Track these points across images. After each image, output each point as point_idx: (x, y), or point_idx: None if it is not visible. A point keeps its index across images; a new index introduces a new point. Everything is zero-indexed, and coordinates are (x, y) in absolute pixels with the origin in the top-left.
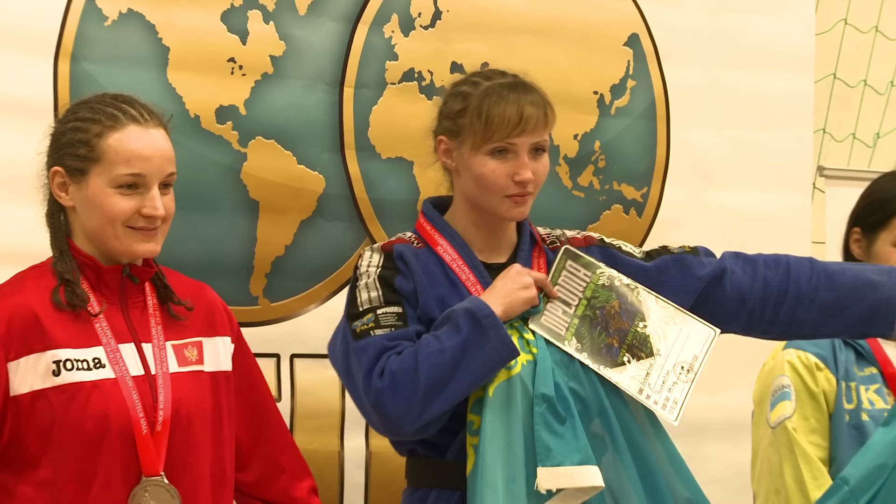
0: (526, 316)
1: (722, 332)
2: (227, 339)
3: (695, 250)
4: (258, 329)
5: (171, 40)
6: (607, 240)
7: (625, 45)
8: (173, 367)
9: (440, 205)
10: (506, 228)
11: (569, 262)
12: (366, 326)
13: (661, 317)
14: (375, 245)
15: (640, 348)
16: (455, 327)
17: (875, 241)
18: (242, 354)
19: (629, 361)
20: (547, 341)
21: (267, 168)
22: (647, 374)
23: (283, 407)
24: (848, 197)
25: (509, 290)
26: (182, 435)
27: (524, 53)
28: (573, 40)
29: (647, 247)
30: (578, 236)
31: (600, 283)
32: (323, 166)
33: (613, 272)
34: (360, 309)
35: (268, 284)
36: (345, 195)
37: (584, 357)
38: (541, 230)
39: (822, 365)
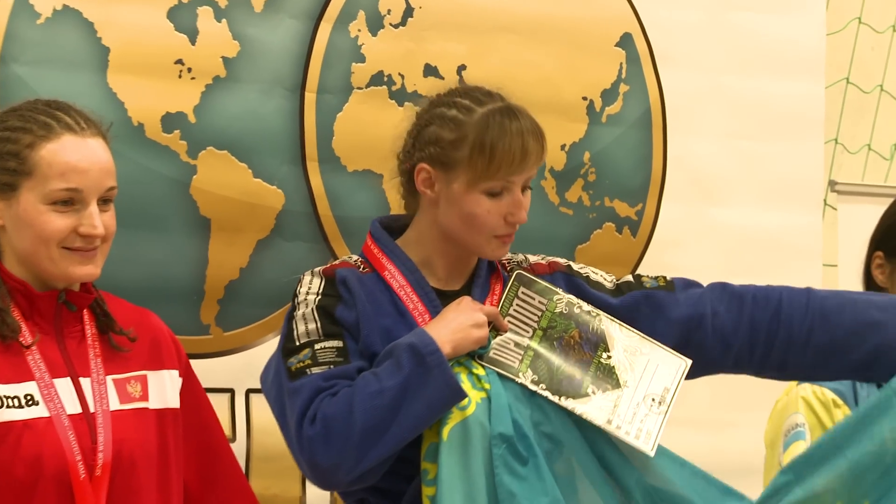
0: (473, 354)
1: (711, 374)
2: (175, 373)
3: (670, 284)
4: (210, 361)
5: (112, 40)
6: (575, 267)
7: (617, 45)
8: (114, 404)
9: (391, 225)
10: (470, 256)
11: (521, 290)
12: (301, 364)
13: (626, 346)
14: (317, 269)
15: (606, 380)
16: (396, 364)
17: None
18: (192, 389)
19: (594, 393)
20: (501, 376)
21: (219, 182)
22: (616, 405)
23: (238, 448)
24: (862, 215)
25: (461, 325)
26: (124, 479)
27: (506, 55)
28: (560, 40)
29: (643, 272)
30: (542, 262)
31: (557, 310)
32: (282, 180)
33: (573, 298)
34: (297, 343)
35: (220, 311)
36: (306, 212)
37: (541, 389)
38: None
39: (839, 401)
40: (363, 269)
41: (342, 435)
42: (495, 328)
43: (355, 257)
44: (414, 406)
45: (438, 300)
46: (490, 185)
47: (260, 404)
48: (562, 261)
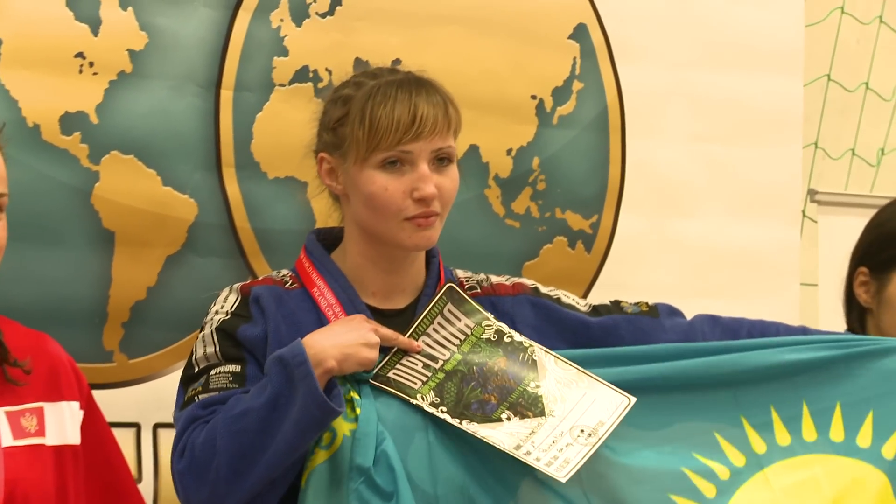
0: (360, 377)
1: None
2: (75, 405)
3: (653, 310)
4: (113, 392)
5: (4, 31)
6: (543, 289)
7: (570, 38)
8: (7, 440)
9: (330, 238)
10: (409, 266)
11: (448, 308)
12: (193, 392)
13: (559, 378)
14: (236, 285)
15: (528, 407)
16: (266, 380)
17: (887, 283)
18: (94, 423)
19: (509, 419)
20: (395, 396)
21: (124, 190)
22: (533, 432)
23: (145, 488)
24: (846, 228)
25: (352, 341)
26: None
27: (446, 48)
28: (506, 32)
29: (599, 292)
30: (506, 283)
31: (484, 337)
32: (195, 188)
33: (504, 327)
34: (195, 370)
35: (125, 336)
36: (222, 224)
37: (440, 412)
38: (460, 273)
39: None
40: (291, 284)
41: (207, 466)
42: (400, 350)
43: (285, 272)
44: (283, 427)
45: (375, 321)
46: (379, 156)
47: (170, 440)
48: (528, 282)
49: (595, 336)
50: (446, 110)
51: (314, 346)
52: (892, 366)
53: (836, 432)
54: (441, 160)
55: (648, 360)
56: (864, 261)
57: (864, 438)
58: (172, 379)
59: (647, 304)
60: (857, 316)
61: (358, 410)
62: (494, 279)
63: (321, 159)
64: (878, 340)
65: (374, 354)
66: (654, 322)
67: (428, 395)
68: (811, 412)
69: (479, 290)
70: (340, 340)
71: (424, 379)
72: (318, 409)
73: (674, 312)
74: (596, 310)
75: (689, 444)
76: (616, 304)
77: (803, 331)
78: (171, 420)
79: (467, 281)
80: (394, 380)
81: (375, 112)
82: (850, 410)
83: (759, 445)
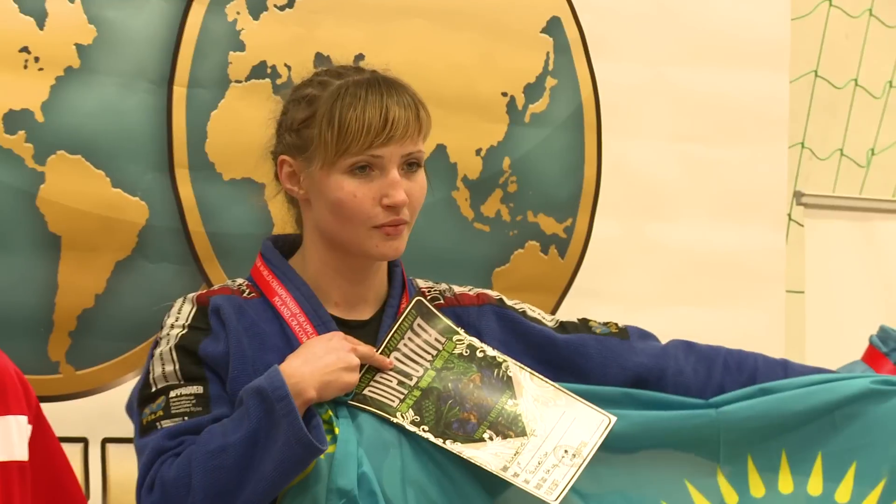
0: (338, 399)
1: None
2: (23, 419)
3: (623, 332)
4: (60, 405)
5: None
6: (508, 301)
7: (543, 32)
8: None
9: (287, 245)
10: (373, 276)
11: (418, 322)
12: (153, 416)
13: (537, 396)
14: (191, 295)
15: (509, 427)
16: (244, 413)
17: None
18: (43, 439)
19: (491, 439)
20: (373, 414)
21: (71, 192)
22: (517, 452)
23: None
24: (834, 232)
25: (330, 365)
26: None
27: (411, 43)
28: (475, 26)
29: (574, 300)
30: (470, 293)
31: (457, 352)
32: (145, 190)
33: (475, 342)
34: (153, 389)
35: (72, 346)
36: (174, 228)
37: (423, 431)
38: (420, 282)
39: None
40: (249, 293)
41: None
42: (373, 367)
43: (241, 281)
44: (263, 466)
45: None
46: (347, 161)
47: (118, 455)
48: (493, 293)
49: (562, 353)
50: (418, 113)
51: (293, 375)
52: (878, 412)
53: (815, 485)
54: (410, 165)
55: (629, 403)
56: None
57: (844, 493)
58: (122, 391)
59: (616, 324)
60: None
61: (336, 430)
62: (457, 289)
63: (282, 162)
64: (864, 378)
65: (354, 378)
66: (623, 344)
67: (407, 414)
68: (790, 462)
69: (442, 301)
70: (319, 366)
71: (401, 396)
72: (301, 448)
73: (645, 335)
74: (563, 326)
75: (659, 492)
76: (584, 322)
77: (783, 365)
78: (120, 435)
79: (429, 291)
80: (371, 398)
81: (345, 114)
82: (832, 462)
83: (730, 496)
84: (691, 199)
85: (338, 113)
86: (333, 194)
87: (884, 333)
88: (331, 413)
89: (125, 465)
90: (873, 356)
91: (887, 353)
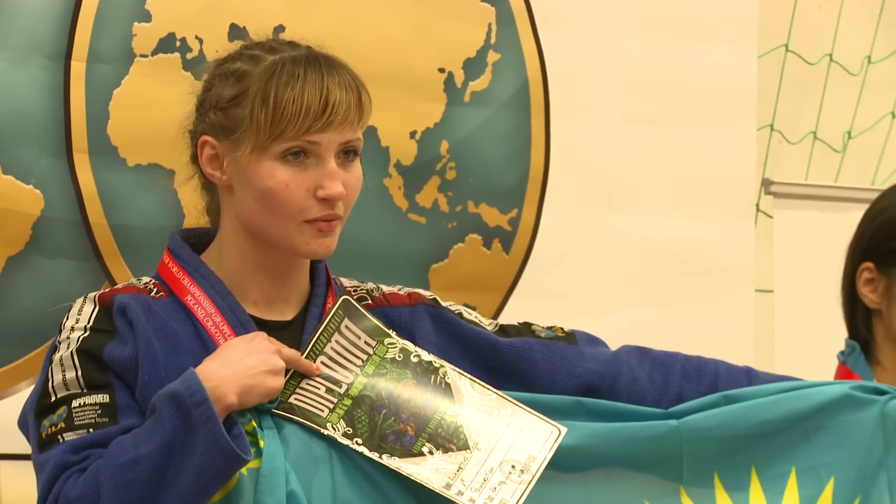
0: (261, 407)
1: None
2: None
3: (570, 336)
4: None
5: None
6: (443, 302)
7: (484, 1)
8: None
9: (198, 238)
10: (296, 273)
11: (345, 323)
12: (54, 429)
13: (479, 404)
14: (92, 294)
15: (450, 439)
16: (158, 422)
17: None
18: None
19: (431, 453)
20: (301, 425)
21: None
22: (460, 468)
23: None
24: (807, 224)
25: (253, 369)
26: None
27: (336, 13)
28: None
29: (520, 300)
30: (400, 293)
31: (389, 356)
32: (40, 177)
33: (409, 345)
34: (52, 399)
35: None
36: (73, 220)
37: (356, 444)
38: (345, 281)
39: None
40: (157, 293)
41: None
42: (298, 372)
43: (147, 279)
44: (180, 479)
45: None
46: (281, 146)
47: (13, 474)
48: (426, 293)
49: (504, 359)
50: (360, 97)
51: (211, 379)
52: (856, 421)
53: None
54: (347, 154)
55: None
56: (867, 255)
57: None
58: (15, 402)
59: (562, 329)
60: (863, 319)
61: (261, 443)
62: (386, 289)
63: (203, 143)
64: (841, 384)
65: (279, 383)
66: (571, 348)
67: (339, 425)
68: (761, 479)
69: (370, 302)
70: (241, 368)
71: (331, 406)
72: (223, 458)
73: (594, 340)
74: (504, 330)
75: None
76: (526, 325)
77: (747, 373)
78: (14, 451)
79: (355, 291)
80: (298, 407)
81: (281, 94)
82: (808, 477)
83: None
84: (649, 188)
85: (273, 91)
86: (263, 182)
87: (851, 349)
88: (255, 424)
89: (21, 485)
90: (845, 375)
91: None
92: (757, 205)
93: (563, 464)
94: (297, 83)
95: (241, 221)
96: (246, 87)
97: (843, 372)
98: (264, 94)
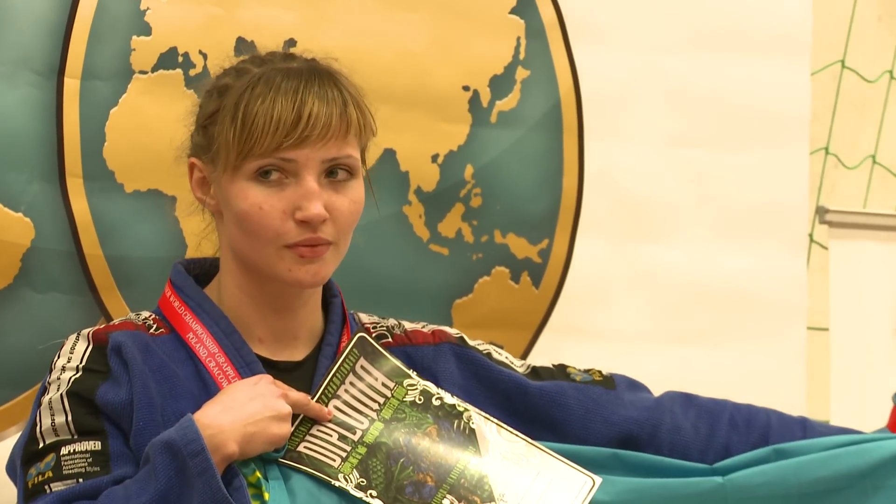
0: (267, 456)
1: None
2: None
3: (609, 381)
4: None
5: None
6: (471, 341)
7: (513, 13)
8: None
9: (200, 270)
10: (303, 307)
11: (361, 363)
12: (41, 478)
13: (506, 453)
14: (86, 331)
15: (473, 490)
16: (151, 473)
17: None
18: None
19: None
20: (310, 476)
21: None
22: None
23: None
24: (864, 255)
25: (255, 414)
26: None
27: (352, 26)
28: (431, 5)
29: (551, 337)
30: (424, 330)
31: (408, 399)
32: (30, 204)
33: (431, 386)
34: (40, 445)
35: None
36: (66, 251)
37: (370, 497)
38: (364, 317)
39: None
40: (157, 329)
41: None
42: (308, 418)
43: (147, 314)
44: None
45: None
46: (252, 164)
47: None
48: (451, 330)
49: (535, 403)
50: (345, 109)
51: (210, 426)
52: None
53: None
54: (334, 173)
55: (617, 468)
56: None
57: None
58: (2, 449)
59: (599, 372)
60: None
61: (266, 495)
62: (409, 325)
63: (191, 166)
64: None
65: (285, 430)
66: (609, 394)
67: (351, 476)
68: None
69: (390, 340)
70: (242, 415)
71: (343, 454)
72: None
73: (635, 386)
74: (536, 372)
75: None
76: (562, 368)
77: (802, 425)
78: (1, 500)
79: (374, 328)
80: (307, 456)
81: (251, 107)
82: None
83: None
84: (692, 217)
85: (244, 105)
86: (237, 205)
87: None
88: (259, 475)
89: None
90: None
91: None
92: (810, 235)
93: None
94: (269, 95)
95: (232, 250)
96: (224, 102)
97: None
98: (235, 109)
